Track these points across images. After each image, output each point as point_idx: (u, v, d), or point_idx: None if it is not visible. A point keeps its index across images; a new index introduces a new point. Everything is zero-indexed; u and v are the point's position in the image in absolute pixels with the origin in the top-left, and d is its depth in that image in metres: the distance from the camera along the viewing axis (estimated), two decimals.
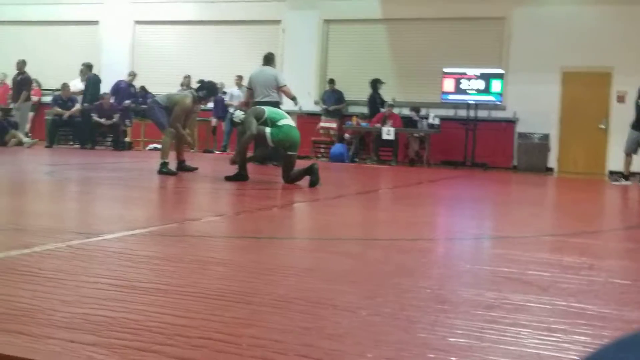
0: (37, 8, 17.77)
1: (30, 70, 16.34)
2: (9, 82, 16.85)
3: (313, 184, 7.14)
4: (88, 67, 15.60)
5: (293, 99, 10.94)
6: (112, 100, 15.53)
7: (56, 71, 16.29)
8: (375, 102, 14.59)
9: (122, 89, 15.77)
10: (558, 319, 2.25)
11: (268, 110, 7.58)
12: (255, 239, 3.86)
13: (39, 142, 15.23)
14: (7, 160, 10.47)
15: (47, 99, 16.60)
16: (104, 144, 15.74)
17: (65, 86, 15.37)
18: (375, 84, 14.61)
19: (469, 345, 1.92)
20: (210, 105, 14.37)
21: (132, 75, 16.01)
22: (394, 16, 15.26)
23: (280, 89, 10.78)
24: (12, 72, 16.19)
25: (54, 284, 2.42)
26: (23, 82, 14.80)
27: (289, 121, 7.56)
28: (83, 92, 15.55)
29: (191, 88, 11.59)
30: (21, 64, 15.00)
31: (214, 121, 15.81)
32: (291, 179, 7.45)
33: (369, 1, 15.33)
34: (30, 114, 16.84)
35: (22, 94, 14.63)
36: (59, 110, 15.05)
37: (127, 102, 15.70)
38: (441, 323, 2.13)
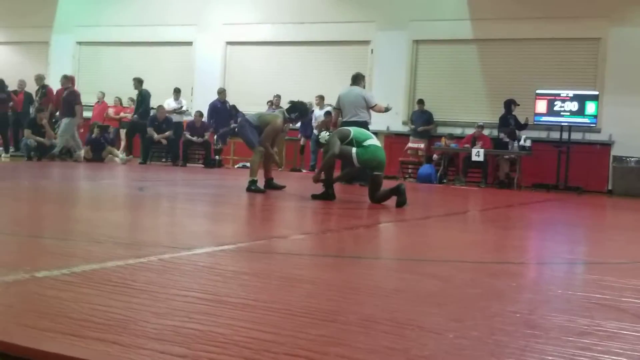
0: (139, 29, 18.48)
1: (127, 90, 16.91)
2: (107, 100, 17.53)
3: (400, 204, 7.09)
4: (139, 81, 15.93)
5: (386, 110, 11.00)
6: (204, 120, 15.95)
7: (152, 91, 16.81)
8: (508, 123, 14.06)
9: (219, 110, 16.06)
10: None
11: (354, 130, 7.59)
12: (341, 257, 3.87)
13: (134, 158, 15.79)
14: (103, 176, 10.88)
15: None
16: (195, 161, 16.16)
17: (160, 108, 15.87)
18: (510, 104, 14.07)
19: None
20: (299, 124, 14.52)
21: (221, 91, 16.28)
22: (485, 36, 15.09)
23: (371, 108, 10.84)
24: (113, 90, 16.83)
25: (145, 296, 2.49)
26: (70, 97, 14.92)
27: (375, 141, 7.55)
28: (135, 107, 15.95)
29: (280, 108, 11.74)
30: (66, 80, 15.31)
31: (302, 140, 15.94)
32: (378, 199, 7.43)
33: (459, 21, 15.21)
34: (122, 130, 17.33)
35: (75, 107, 14.80)
36: (151, 134, 15.46)
37: (232, 126, 15.97)
38: (531, 349, 2.07)
